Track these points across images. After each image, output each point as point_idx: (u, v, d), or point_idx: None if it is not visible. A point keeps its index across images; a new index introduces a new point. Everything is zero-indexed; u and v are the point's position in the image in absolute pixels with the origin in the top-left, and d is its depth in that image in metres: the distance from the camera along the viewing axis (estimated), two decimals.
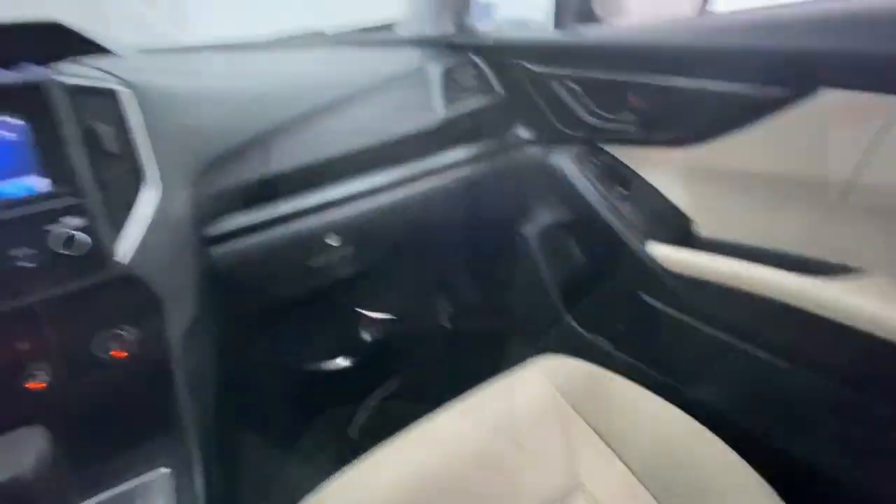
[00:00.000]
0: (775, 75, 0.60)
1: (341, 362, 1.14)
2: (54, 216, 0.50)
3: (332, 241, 0.81)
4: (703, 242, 0.77)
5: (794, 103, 0.59)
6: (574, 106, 0.86)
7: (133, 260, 0.54)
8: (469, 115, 0.93)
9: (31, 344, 0.52)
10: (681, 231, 0.79)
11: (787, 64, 0.59)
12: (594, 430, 0.63)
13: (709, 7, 0.89)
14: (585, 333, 0.99)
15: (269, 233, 0.74)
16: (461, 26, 1.01)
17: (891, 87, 0.51)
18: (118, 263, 0.53)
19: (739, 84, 0.64)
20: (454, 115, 0.91)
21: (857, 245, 0.61)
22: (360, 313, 1.09)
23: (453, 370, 0.95)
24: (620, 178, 0.87)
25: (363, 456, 0.59)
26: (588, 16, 0.90)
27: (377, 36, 1.10)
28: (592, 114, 0.85)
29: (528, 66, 0.90)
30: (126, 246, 0.54)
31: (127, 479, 0.58)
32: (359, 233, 0.83)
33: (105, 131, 0.55)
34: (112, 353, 0.57)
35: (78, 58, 0.66)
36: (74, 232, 0.51)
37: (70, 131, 0.51)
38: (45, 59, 0.61)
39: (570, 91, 0.86)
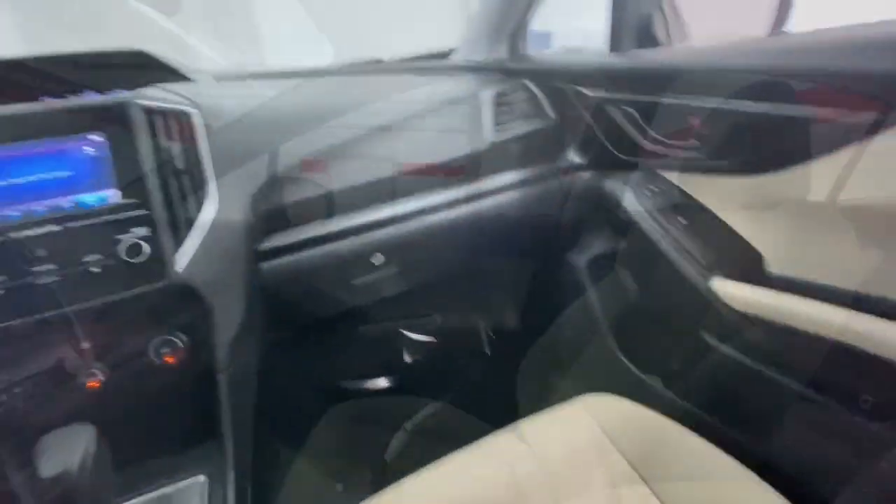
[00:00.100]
0: (861, 99, 0.54)
1: (381, 383, 1.13)
2: (125, 226, 0.54)
3: (377, 260, 0.82)
4: (773, 280, 0.70)
5: (882, 129, 0.53)
6: (631, 131, 0.83)
7: (189, 270, 0.57)
8: (521, 140, 0.92)
9: (92, 343, 0.55)
10: (748, 267, 0.72)
11: (876, 86, 0.53)
12: (639, 474, 0.59)
13: (782, 28, 0.83)
14: (637, 371, 0.92)
15: (317, 250, 0.76)
16: (515, 52, 1.02)
17: None
18: (176, 273, 0.56)
19: (819, 108, 0.58)
20: (505, 139, 0.90)
21: None
22: (403, 334, 1.09)
23: (494, 400, 0.92)
24: (681, 207, 0.82)
25: (396, 483, 0.58)
26: (647, 40, 0.87)
27: (433, 63, 1.13)
28: (651, 139, 0.81)
29: (583, 90, 0.88)
30: (184, 257, 0.57)
31: (165, 484, 0.60)
32: (404, 253, 0.83)
33: (174, 149, 0.59)
34: (164, 357, 0.60)
35: (160, 84, 0.73)
36: (140, 241, 0.54)
37: (144, 148, 0.55)
38: (132, 85, 0.67)
39: (628, 116, 0.83)
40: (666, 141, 0.79)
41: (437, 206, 0.85)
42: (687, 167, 0.79)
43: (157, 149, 0.57)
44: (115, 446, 0.56)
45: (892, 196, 0.55)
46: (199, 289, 0.59)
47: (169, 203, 0.57)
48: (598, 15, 0.94)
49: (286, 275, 0.74)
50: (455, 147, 0.87)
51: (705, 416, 0.79)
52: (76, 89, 0.69)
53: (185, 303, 0.59)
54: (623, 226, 0.87)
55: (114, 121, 0.54)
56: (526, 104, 0.96)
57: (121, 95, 0.59)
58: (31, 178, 0.52)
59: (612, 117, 0.85)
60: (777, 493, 0.54)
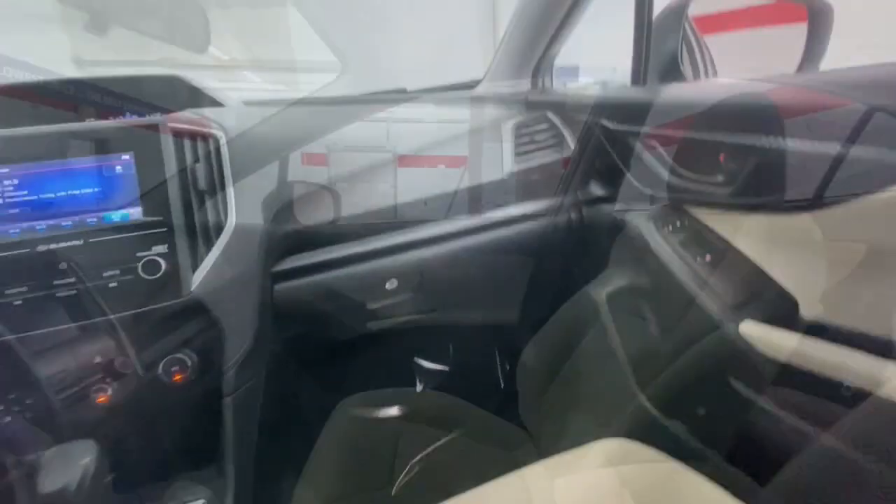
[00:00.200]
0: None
1: (391, 412, 1.11)
2: (145, 243, 0.56)
3: (392, 285, 0.81)
4: (807, 325, 0.65)
5: None
6: (655, 165, 0.81)
7: (203, 289, 0.58)
8: (542, 170, 0.92)
9: (103, 358, 0.56)
10: (780, 310, 0.68)
11: None
12: None
13: (813, 65, 0.81)
14: (659, 415, 0.87)
15: (332, 273, 0.76)
16: (539, 85, 1.02)
17: None
18: (190, 292, 0.57)
19: (857, 146, 0.56)
20: (526, 169, 0.90)
21: None
22: (416, 362, 1.07)
23: (507, 437, 0.88)
24: (707, 244, 0.79)
25: None
26: (672, 75, 0.86)
27: (457, 93, 1.15)
28: (676, 174, 0.79)
29: (605, 123, 0.87)
30: (200, 276, 0.58)
31: None
32: (419, 279, 0.83)
33: (199, 170, 0.61)
34: (173, 376, 0.60)
35: (192, 108, 0.76)
36: (158, 258, 0.55)
37: (169, 169, 0.57)
38: (165, 108, 0.70)
39: (651, 149, 0.82)
40: (692, 176, 0.77)
41: (454, 234, 0.84)
42: (712, 202, 0.76)
43: (181, 169, 0.59)
44: (116, 464, 0.55)
45: None
46: (213, 309, 0.59)
47: (190, 222, 0.59)
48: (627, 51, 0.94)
49: (299, 298, 0.74)
50: (475, 176, 0.87)
51: (729, 466, 0.74)
52: (118, 111, 0.73)
53: (198, 322, 0.60)
54: (645, 261, 0.84)
55: (143, 141, 0.57)
56: (548, 135, 0.95)
57: (152, 117, 0.61)
58: (61, 193, 0.54)
59: (634, 150, 0.84)
60: None
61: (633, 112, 0.84)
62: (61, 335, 0.52)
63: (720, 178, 0.73)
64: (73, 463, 0.48)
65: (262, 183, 0.69)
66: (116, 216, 0.56)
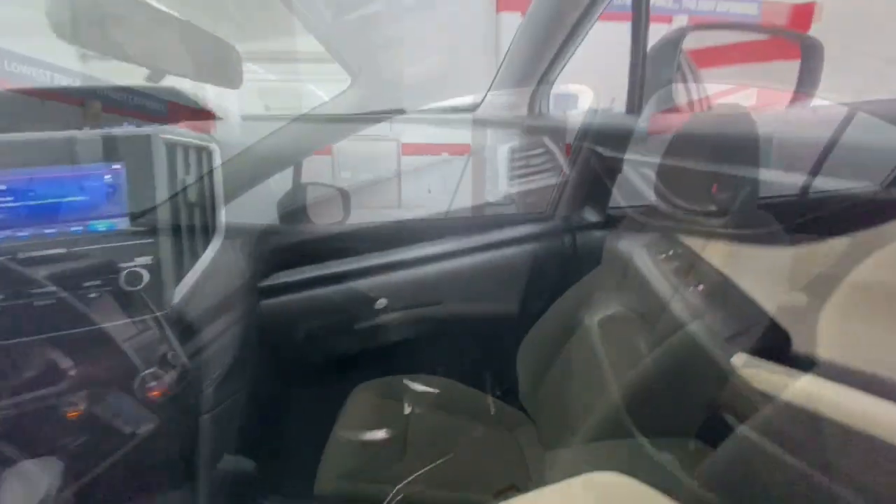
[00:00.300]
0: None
1: (379, 435, 1.08)
2: (129, 254, 0.55)
3: (381, 304, 0.80)
4: (802, 361, 0.64)
5: None
6: (648, 193, 0.81)
7: (186, 302, 0.57)
8: (535, 194, 0.92)
9: (78, 371, 0.54)
10: (774, 344, 0.67)
11: None
12: None
13: (812, 102, 0.82)
14: (650, 448, 0.85)
15: (319, 291, 0.75)
16: (536, 110, 1.03)
17: None
18: (172, 305, 0.56)
19: (854, 182, 0.56)
20: (520, 192, 0.90)
21: None
22: (404, 384, 1.05)
23: (495, 466, 0.85)
24: (699, 274, 0.78)
25: None
26: (666, 104, 0.87)
27: (453, 115, 1.16)
28: (668, 202, 0.79)
29: (599, 150, 0.88)
30: (183, 289, 0.57)
31: None
32: (408, 299, 0.82)
33: (189, 182, 0.60)
34: (150, 391, 0.58)
35: (189, 120, 0.76)
36: (141, 270, 0.54)
37: (160, 180, 0.57)
38: (162, 119, 0.70)
39: (644, 178, 0.82)
40: (685, 205, 0.77)
41: (445, 255, 0.84)
42: (707, 233, 0.76)
43: (172, 181, 0.58)
44: (83, 483, 0.53)
45: None
46: (194, 323, 0.58)
47: (176, 234, 0.58)
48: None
49: (286, 313, 0.73)
50: (468, 197, 0.87)
51: (717, 497, 0.71)
52: (116, 120, 0.72)
53: (178, 336, 0.58)
54: (637, 288, 0.84)
55: (135, 152, 0.56)
56: (542, 160, 0.96)
57: (146, 128, 0.61)
58: (48, 201, 0.53)
59: (629, 178, 0.84)
60: None
61: (626, 140, 0.85)
62: (35, 345, 0.50)
63: (710, 208, 0.73)
64: (37, 481, 0.46)
65: (252, 196, 0.69)
66: (102, 226, 0.55)
